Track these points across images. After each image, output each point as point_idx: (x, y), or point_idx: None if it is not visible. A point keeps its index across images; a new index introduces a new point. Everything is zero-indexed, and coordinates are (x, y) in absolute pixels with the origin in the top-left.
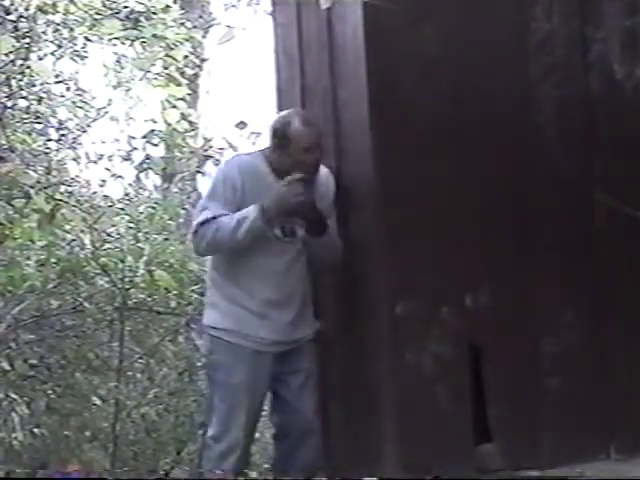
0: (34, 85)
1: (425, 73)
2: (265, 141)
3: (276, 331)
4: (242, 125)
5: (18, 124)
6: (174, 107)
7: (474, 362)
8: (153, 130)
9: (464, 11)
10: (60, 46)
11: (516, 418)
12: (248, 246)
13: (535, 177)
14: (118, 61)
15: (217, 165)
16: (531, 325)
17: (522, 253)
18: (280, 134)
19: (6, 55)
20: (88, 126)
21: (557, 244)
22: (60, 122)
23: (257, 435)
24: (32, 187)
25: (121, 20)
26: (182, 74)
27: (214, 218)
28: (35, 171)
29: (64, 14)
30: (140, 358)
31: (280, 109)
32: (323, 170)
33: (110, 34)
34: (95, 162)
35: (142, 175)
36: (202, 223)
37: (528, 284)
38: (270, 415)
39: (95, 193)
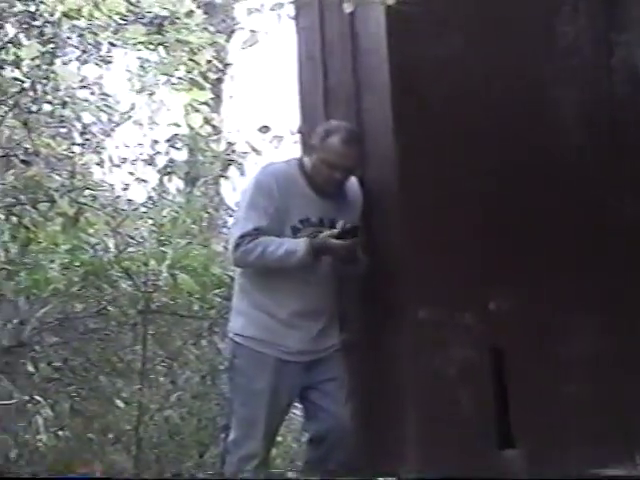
0: (59, 90)
1: (448, 77)
2: (289, 146)
3: (303, 341)
4: (265, 129)
5: (43, 128)
6: (197, 111)
7: (497, 366)
8: (176, 134)
9: (488, 14)
10: (85, 51)
11: (539, 423)
12: None
13: (558, 180)
14: (142, 66)
15: (240, 169)
16: (554, 329)
17: (545, 257)
18: (317, 139)
19: (32, 60)
20: (112, 130)
21: (580, 247)
22: (84, 126)
23: (279, 439)
24: (56, 191)
25: (145, 25)
26: (205, 78)
27: (255, 230)
28: (59, 175)
29: (89, 19)
30: (163, 361)
31: (303, 113)
32: (352, 184)
33: (134, 39)
34: (119, 166)
35: (165, 179)
36: (243, 236)
37: (551, 288)
38: (305, 422)
39: (119, 197)
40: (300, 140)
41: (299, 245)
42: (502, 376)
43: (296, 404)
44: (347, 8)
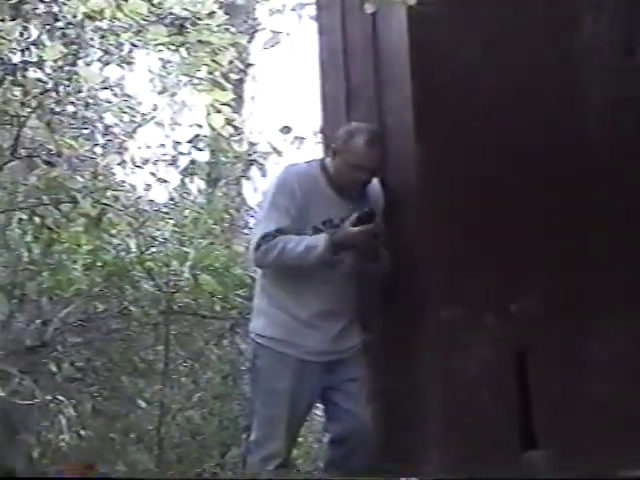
0: (81, 91)
1: (470, 77)
2: (310, 146)
3: (324, 341)
4: (286, 130)
5: (66, 129)
6: (219, 112)
7: (520, 368)
8: (198, 135)
9: (509, 15)
10: (107, 52)
11: (563, 425)
12: None
13: (583, 181)
14: (164, 67)
15: (261, 170)
16: (578, 331)
17: (569, 258)
18: (340, 141)
19: (54, 61)
20: (134, 131)
21: (605, 249)
22: (106, 127)
23: (300, 439)
24: (79, 192)
25: (166, 26)
26: (227, 79)
27: (277, 231)
28: (82, 176)
29: (111, 21)
30: (185, 362)
31: (325, 113)
32: (374, 185)
33: (156, 40)
34: (141, 167)
35: (187, 180)
36: (265, 236)
37: (575, 289)
38: (326, 423)
39: (140, 197)
40: (322, 141)
41: (319, 240)
42: (525, 377)
43: (317, 404)
44: (368, 9)
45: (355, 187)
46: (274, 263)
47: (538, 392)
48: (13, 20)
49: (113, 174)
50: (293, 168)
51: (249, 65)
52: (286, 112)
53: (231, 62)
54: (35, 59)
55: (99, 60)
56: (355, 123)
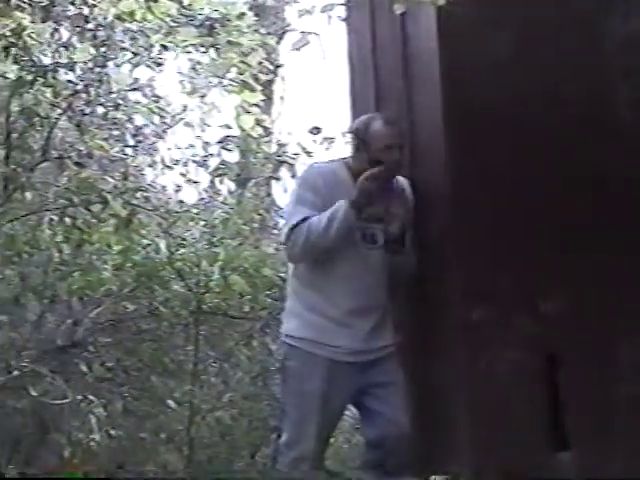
0: (111, 92)
1: (499, 76)
2: (340, 147)
3: (356, 340)
4: (316, 130)
5: (96, 130)
6: (248, 113)
7: (550, 369)
8: (228, 136)
9: (539, 13)
10: (137, 54)
11: (594, 426)
12: (331, 253)
13: (613, 180)
14: (193, 68)
15: (291, 170)
16: (609, 331)
17: (600, 257)
18: (361, 134)
19: (85, 63)
20: (164, 132)
21: (636, 247)
22: (136, 128)
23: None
24: (109, 192)
25: (196, 27)
26: (256, 80)
27: (304, 220)
28: (112, 177)
29: (141, 22)
30: (214, 362)
31: (354, 114)
32: (403, 184)
33: (185, 41)
34: (171, 168)
35: (217, 180)
36: (293, 227)
37: (606, 289)
38: (362, 426)
39: (170, 198)
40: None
41: (338, 207)
42: (555, 377)
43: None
44: (397, 9)
45: (393, 171)
46: (304, 247)
47: (568, 393)
48: (44, 22)
49: (143, 175)
50: (315, 165)
51: (278, 66)
52: (315, 113)
53: (260, 63)
54: (66, 61)
55: (129, 61)
56: (363, 116)
